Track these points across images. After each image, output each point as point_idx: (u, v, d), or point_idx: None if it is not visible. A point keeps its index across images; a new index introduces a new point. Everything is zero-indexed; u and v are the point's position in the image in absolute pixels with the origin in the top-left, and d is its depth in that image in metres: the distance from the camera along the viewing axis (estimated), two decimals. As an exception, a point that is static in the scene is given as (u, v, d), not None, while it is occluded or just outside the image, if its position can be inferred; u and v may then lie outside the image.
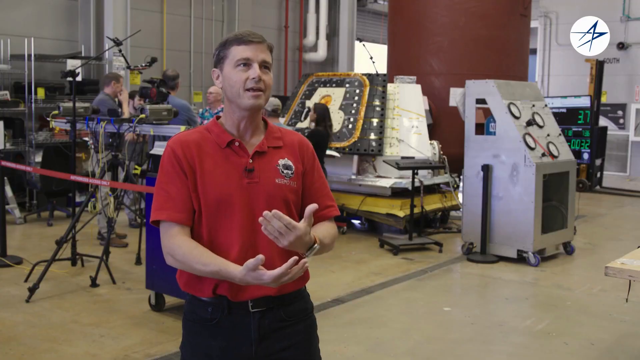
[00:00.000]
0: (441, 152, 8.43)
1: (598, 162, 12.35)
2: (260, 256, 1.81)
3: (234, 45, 2.02)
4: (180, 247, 1.96)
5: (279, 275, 1.82)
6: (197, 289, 2.04)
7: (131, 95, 7.53)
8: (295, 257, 1.84)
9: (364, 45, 9.75)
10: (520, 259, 6.77)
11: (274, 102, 6.98)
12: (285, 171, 2.07)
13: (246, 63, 2.01)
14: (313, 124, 7.70)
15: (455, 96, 8.90)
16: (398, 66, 10.26)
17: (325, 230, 2.09)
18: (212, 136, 2.06)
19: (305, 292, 2.17)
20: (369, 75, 8.50)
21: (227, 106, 2.08)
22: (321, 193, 2.16)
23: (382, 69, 9.71)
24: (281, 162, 2.07)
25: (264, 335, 2.03)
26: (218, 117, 2.13)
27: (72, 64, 8.37)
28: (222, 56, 2.05)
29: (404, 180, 7.73)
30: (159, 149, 5.33)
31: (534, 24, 12.30)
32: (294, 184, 2.08)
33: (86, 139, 7.48)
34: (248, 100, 2.01)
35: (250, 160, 2.03)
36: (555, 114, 8.82)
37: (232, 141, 2.05)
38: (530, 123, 6.91)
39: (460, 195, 8.28)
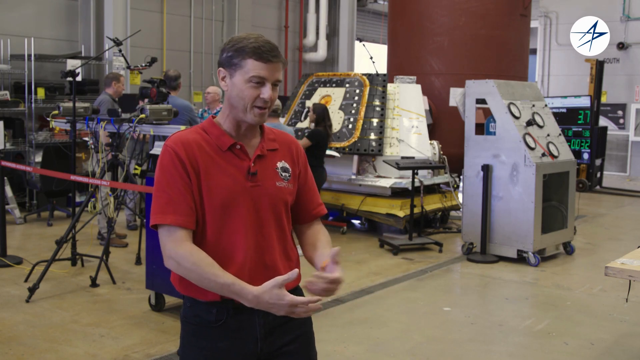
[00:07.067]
0: (441, 152, 8.43)
1: (598, 162, 12.35)
2: (296, 270, 1.84)
3: (252, 58, 1.96)
4: (191, 254, 1.92)
5: (299, 303, 1.84)
6: (199, 292, 2.01)
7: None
8: (319, 297, 1.88)
9: (364, 45, 9.75)
10: (520, 259, 6.77)
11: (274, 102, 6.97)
12: (283, 174, 2.10)
13: (260, 81, 1.98)
14: (313, 124, 7.70)
15: (455, 96, 8.90)
16: (398, 66, 10.26)
17: (327, 243, 2.16)
18: (212, 138, 2.04)
19: (300, 289, 2.19)
20: (369, 75, 8.49)
21: (228, 109, 2.05)
22: (313, 191, 2.23)
23: (382, 69, 9.70)
24: (279, 164, 2.10)
25: (269, 332, 2.04)
26: (213, 117, 2.12)
27: (72, 64, 8.37)
28: (235, 63, 1.99)
29: (404, 180, 7.73)
30: (158, 149, 5.32)
31: (534, 24, 12.30)
32: (291, 186, 2.12)
33: (86, 139, 7.48)
34: (254, 117, 2.01)
35: (252, 164, 2.04)
36: (555, 114, 8.82)
37: (233, 144, 2.04)
38: (530, 123, 6.91)
39: (460, 195, 8.28)
